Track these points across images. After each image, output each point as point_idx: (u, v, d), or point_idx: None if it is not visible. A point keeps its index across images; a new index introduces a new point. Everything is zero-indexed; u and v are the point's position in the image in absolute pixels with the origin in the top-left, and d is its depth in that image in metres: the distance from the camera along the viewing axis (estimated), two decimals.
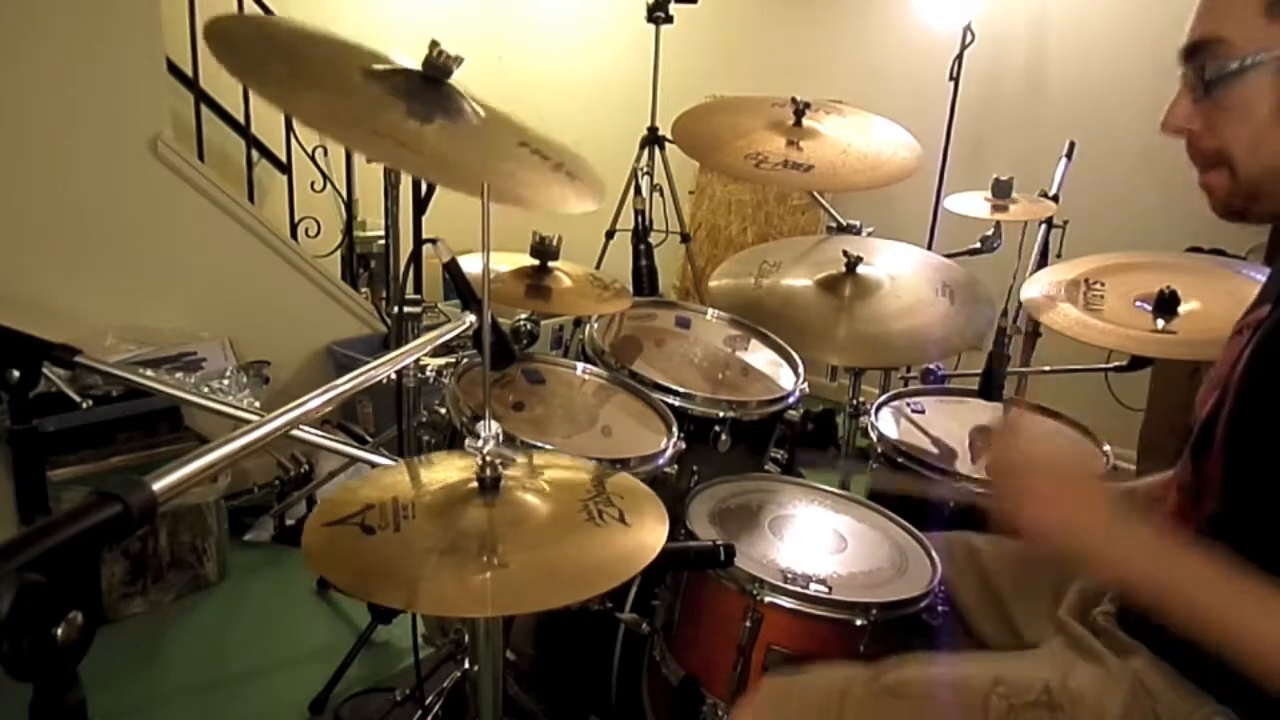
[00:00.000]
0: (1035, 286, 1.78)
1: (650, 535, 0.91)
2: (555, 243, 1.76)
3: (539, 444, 1.44)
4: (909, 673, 1.04)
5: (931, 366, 2.02)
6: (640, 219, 2.50)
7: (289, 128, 3.49)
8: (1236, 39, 0.83)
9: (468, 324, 1.15)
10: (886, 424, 1.77)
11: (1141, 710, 0.94)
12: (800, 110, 1.99)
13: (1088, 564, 0.95)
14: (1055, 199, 2.47)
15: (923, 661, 1.07)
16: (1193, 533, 0.94)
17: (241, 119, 3.35)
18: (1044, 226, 2.43)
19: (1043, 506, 0.92)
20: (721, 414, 1.64)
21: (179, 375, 2.42)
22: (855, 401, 1.97)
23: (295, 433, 0.88)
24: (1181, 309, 1.63)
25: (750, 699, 1.10)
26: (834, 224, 2.31)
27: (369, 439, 2.80)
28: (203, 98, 3.22)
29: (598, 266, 3.56)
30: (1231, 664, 0.78)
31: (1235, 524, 0.89)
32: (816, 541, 1.39)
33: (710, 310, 2.00)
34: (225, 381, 2.44)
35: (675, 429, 1.58)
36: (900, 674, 1.03)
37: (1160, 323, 1.63)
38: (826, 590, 1.24)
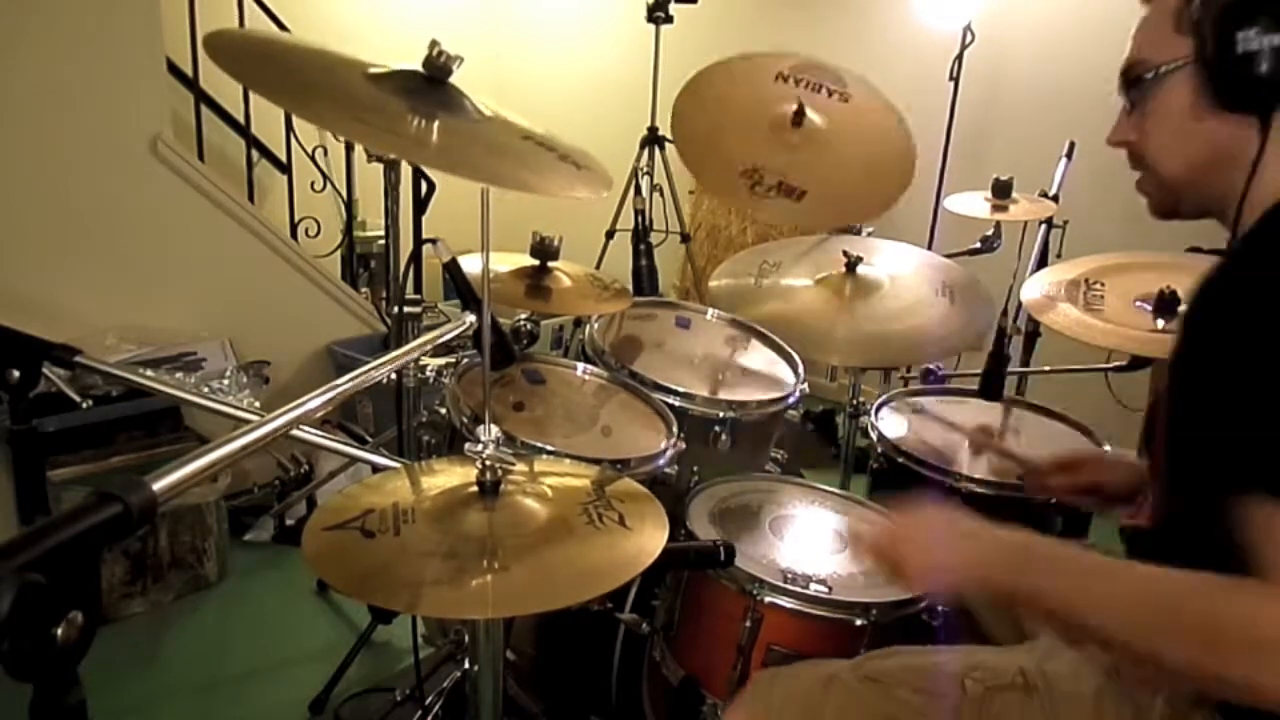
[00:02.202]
0: (1035, 286, 1.78)
1: (650, 539, 0.91)
2: (555, 243, 1.76)
3: (539, 444, 1.44)
4: (889, 662, 1.07)
5: (931, 366, 2.02)
6: (640, 219, 2.50)
7: (289, 128, 3.49)
8: (1153, 56, 0.95)
9: (468, 324, 1.15)
10: (886, 424, 1.77)
11: (1114, 690, 0.96)
12: (800, 110, 1.98)
13: (992, 595, 1.00)
14: (1055, 199, 2.47)
15: (906, 653, 1.10)
16: (1152, 527, 0.98)
17: (241, 119, 3.35)
18: (1044, 226, 2.43)
19: (919, 554, 0.95)
20: (721, 414, 1.64)
21: (179, 375, 2.42)
22: (855, 401, 1.97)
23: (295, 433, 0.88)
24: (1181, 309, 1.62)
25: (742, 695, 1.12)
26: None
27: (369, 439, 2.80)
28: (203, 98, 3.22)
29: (598, 266, 3.56)
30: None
31: (1180, 514, 0.90)
32: (816, 541, 1.39)
33: (710, 310, 2.00)
34: (225, 381, 2.44)
35: (675, 429, 1.58)
36: (881, 663, 1.07)
37: (1160, 323, 1.63)
38: (826, 590, 1.24)
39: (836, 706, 1.03)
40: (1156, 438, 0.94)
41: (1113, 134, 1.04)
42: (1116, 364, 2.03)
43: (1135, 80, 0.97)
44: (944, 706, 1.01)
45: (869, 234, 2.25)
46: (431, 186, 1.88)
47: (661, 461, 1.50)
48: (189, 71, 3.11)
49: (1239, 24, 0.85)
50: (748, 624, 1.23)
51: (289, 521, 2.60)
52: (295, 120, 3.44)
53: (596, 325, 1.84)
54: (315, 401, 0.83)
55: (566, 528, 0.92)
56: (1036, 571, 0.85)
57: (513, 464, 0.96)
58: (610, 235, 3.69)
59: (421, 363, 1.72)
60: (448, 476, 0.98)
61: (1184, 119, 0.93)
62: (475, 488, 0.94)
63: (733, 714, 1.11)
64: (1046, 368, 2.44)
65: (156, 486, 0.61)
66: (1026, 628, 1.21)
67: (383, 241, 3.32)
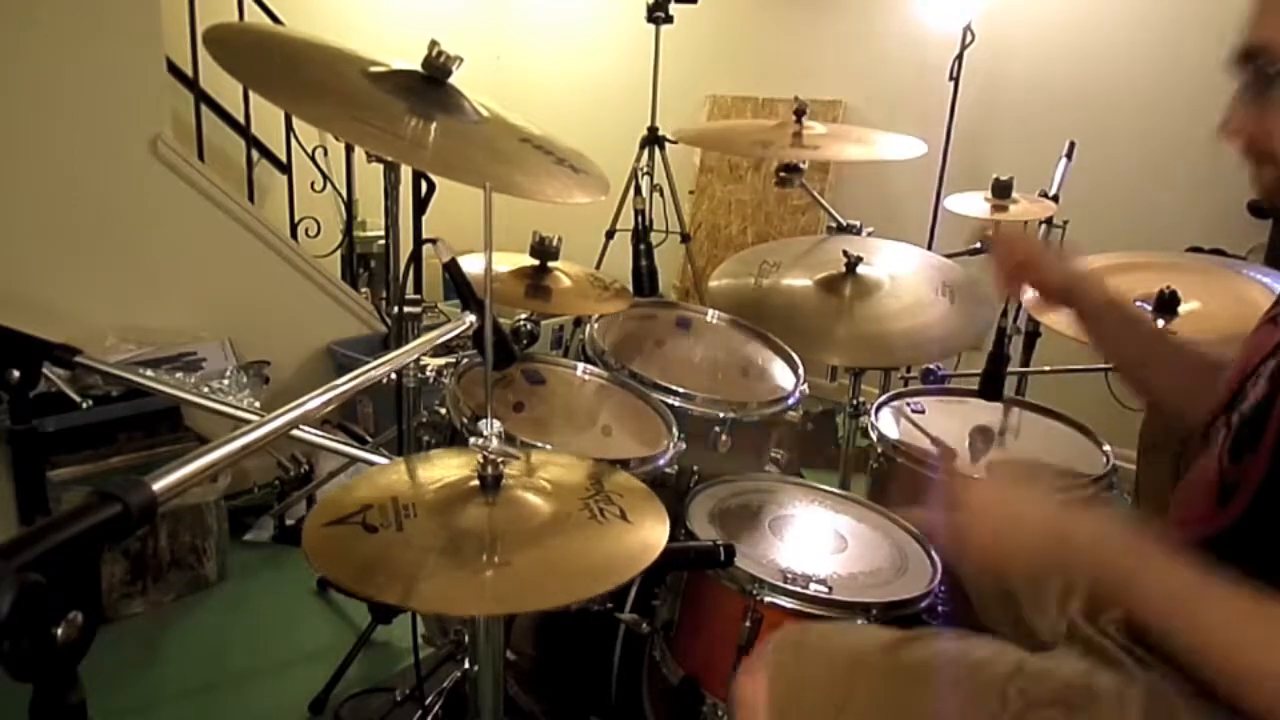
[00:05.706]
0: None
1: (652, 533, 0.91)
2: (555, 243, 1.76)
3: (539, 445, 1.44)
4: (927, 650, 1.01)
5: (931, 366, 2.02)
6: (640, 219, 2.50)
7: (289, 128, 3.49)
8: None
9: (468, 324, 1.15)
10: (886, 424, 1.77)
11: (1160, 711, 0.92)
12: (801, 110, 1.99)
13: (1084, 570, 0.91)
14: (1055, 199, 2.47)
15: (945, 639, 1.03)
16: (1214, 534, 0.92)
17: (241, 119, 3.35)
18: (1044, 226, 2.43)
19: (996, 526, 0.90)
20: (721, 414, 1.64)
21: (179, 375, 2.42)
22: (855, 401, 1.97)
23: (295, 433, 0.88)
24: (1181, 309, 1.63)
25: (762, 653, 1.06)
26: (834, 224, 2.31)
27: (369, 439, 2.80)
28: (203, 98, 3.22)
29: (598, 266, 3.56)
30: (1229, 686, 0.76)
31: (1266, 523, 0.87)
32: (816, 541, 1.39)
33: (710, 310, 2.00)
34: (225, 381, 2.43)
35: (675, 429, 1.58)
36: (917, 651, 1.01)
37: (1160, 323, 1.63)
38: (827, 590, 1.24)
39: (864, 698, 0.97)
40: (1260, 447, 0.88)
41: (1230, 124, 0.90)
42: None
43: (1265, 71, 0.85)
44: (980, 717, 0.94)
45: (869, 234, 2.25)
46: (431, 187, 1.88)
47: (661, 461, 1.50)
48: (189, 71, 3.11)
49: None
50: (748, 624, 1.23)
51: (289, 521, 2.60)
52: (295, 120, 3.44)
53: (596, 325, 1.84)
54: (315, 401, 0.83)
55: (568, 522, 0.92)
56: (1136, 582, 0.81)
57: (516, 456, 0.96)
58: (610, 235, 3.69)
59: (421, 363, 1.72)
60: (448, 470, 0.98)
61: None
62: (476, 482, 0.94)
63: (749, 676, 1.03)
64: (1046, 368, 2.44)
65: (156, 486, 0.61)
66: (1032, 625, 1.20)
67: (383, 241, 3.32)
